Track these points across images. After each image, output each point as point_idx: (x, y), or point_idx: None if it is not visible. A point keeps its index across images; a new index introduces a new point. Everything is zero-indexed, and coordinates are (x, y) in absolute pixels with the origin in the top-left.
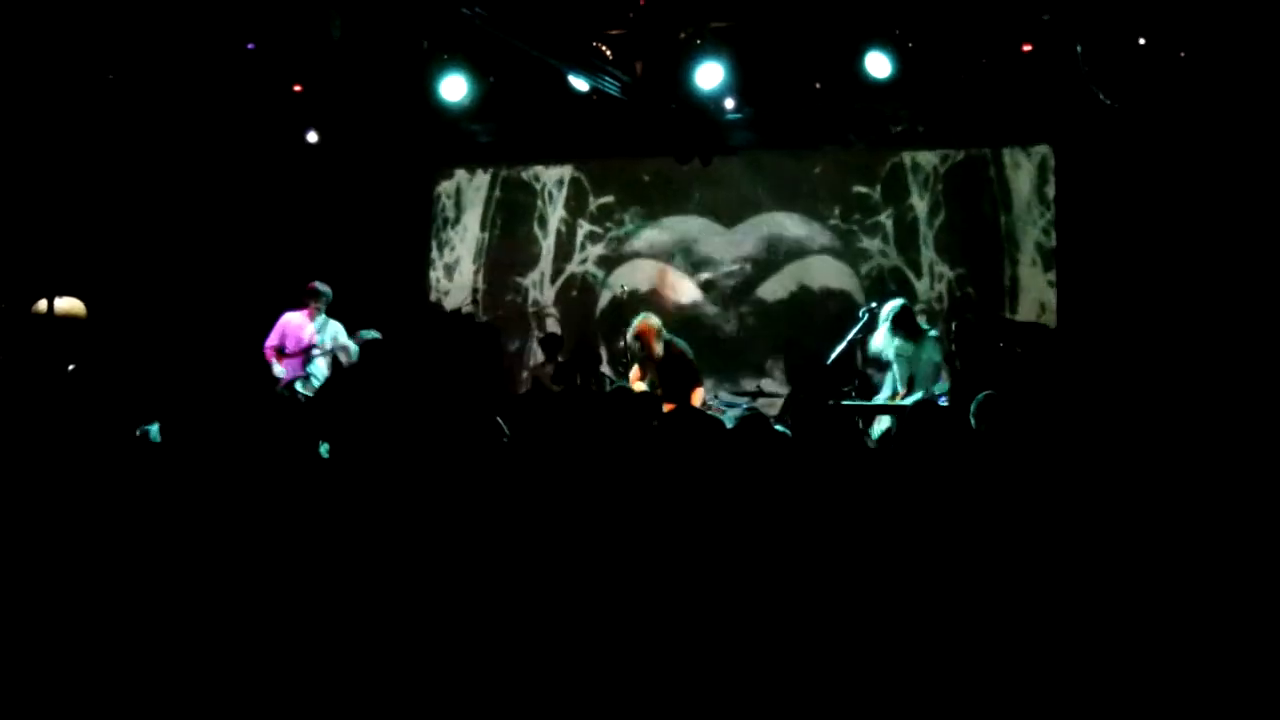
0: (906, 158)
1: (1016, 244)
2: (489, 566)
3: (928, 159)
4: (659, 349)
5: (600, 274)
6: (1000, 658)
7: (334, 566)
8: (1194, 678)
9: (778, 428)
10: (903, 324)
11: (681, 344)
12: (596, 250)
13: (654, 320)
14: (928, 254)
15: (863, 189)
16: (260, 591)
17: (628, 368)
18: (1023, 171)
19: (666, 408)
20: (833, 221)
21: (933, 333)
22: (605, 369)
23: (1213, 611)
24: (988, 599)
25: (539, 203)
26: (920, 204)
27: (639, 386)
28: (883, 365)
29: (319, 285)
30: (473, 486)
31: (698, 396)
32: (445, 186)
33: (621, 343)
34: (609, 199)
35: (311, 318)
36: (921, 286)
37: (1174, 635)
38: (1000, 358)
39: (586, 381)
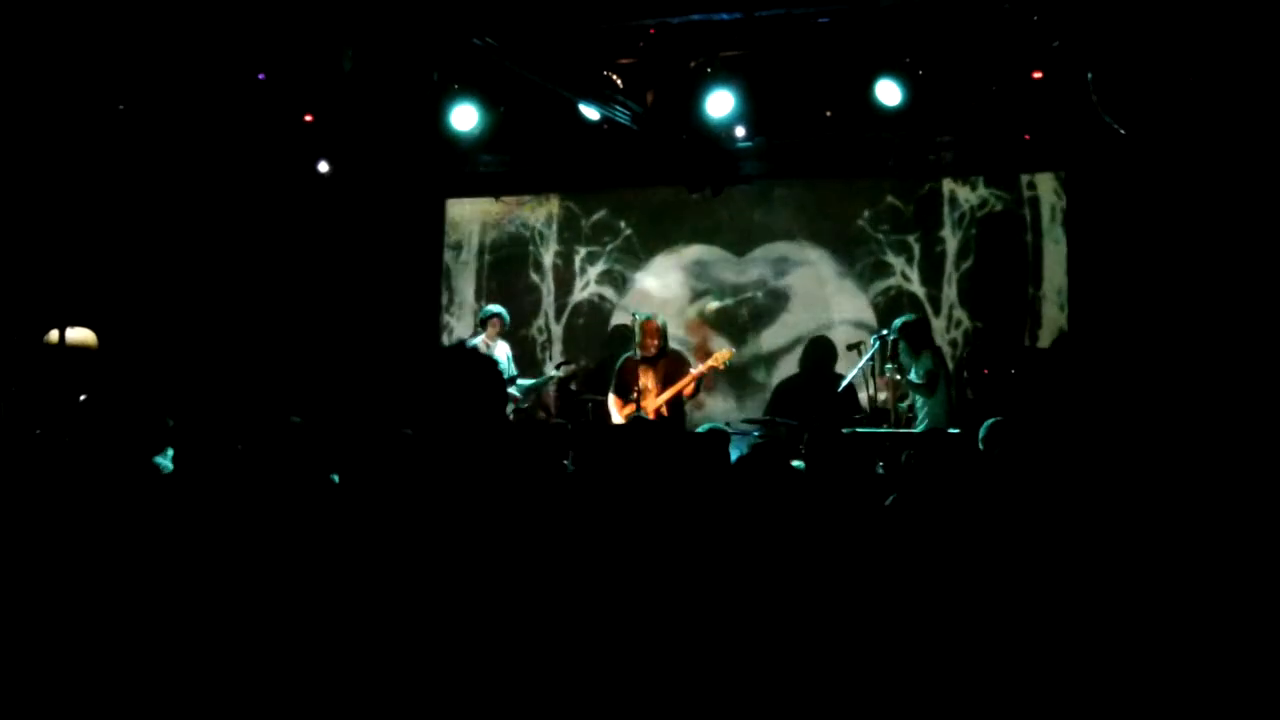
0: (945, 187)
1: (1039, 321)
2: (492, 604)
3: (966, 196)
4: (666, 346)
5: (607, 292)
6: (1013, 683)
7: (343, 596)
8: (1205, 698)
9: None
10: (907, 337)
11: (678, 349)
12: (597, 269)
13: (658, 319)
14: (950, 294)
15: (896, 202)
16: (270, 621)
17: (622, 378)
18: (1060, 249)
19: (653, 406)
20: (859, 223)
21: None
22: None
23: (1227, 638)
24: (997, 621)
25: (530, 248)
26: (951, 240)
27: (623, 414)
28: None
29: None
30: (482, 516)
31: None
32: (455, 216)
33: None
34: (602, 214)
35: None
36: (937, 324)
37: (1187, 657)
38: (1011, 383)
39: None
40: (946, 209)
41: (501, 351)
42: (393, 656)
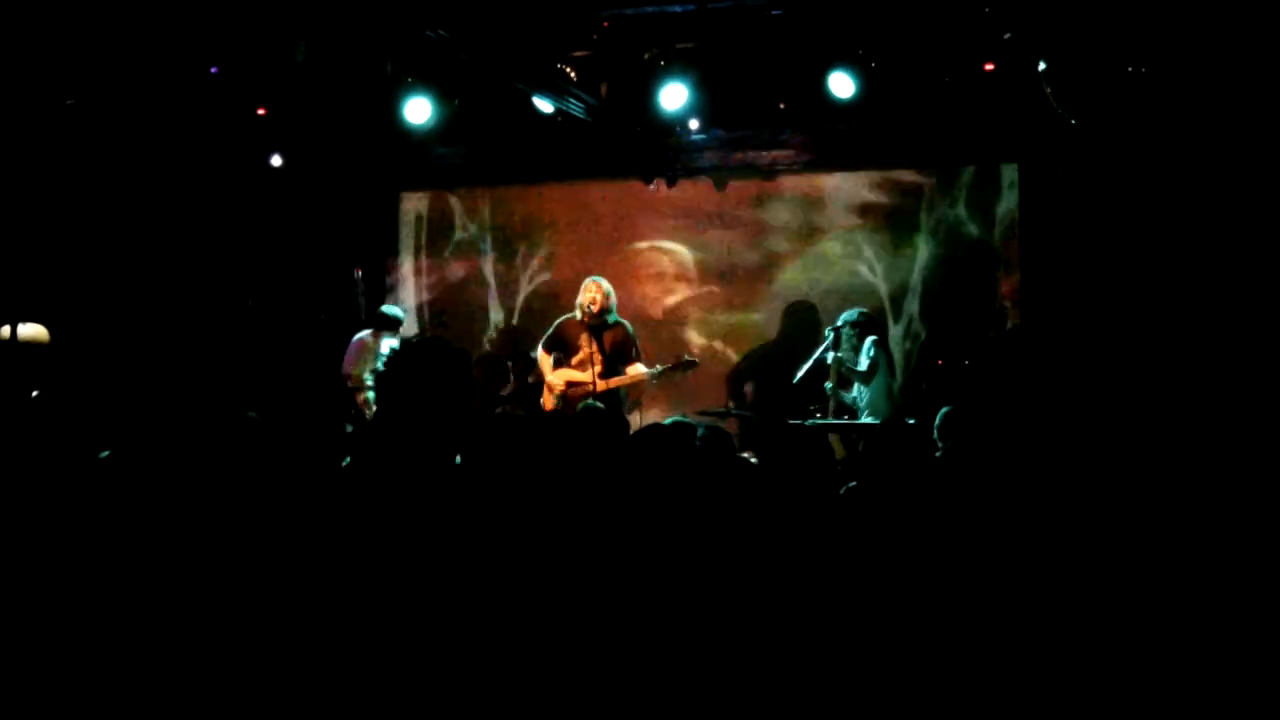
0: (925, 194)
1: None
2: (438, 596)
3: (945, 211)
4: (609, 317)
5: (550, 277)
6: (973, 670)
7: (301, 592)
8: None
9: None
10: (857, 327)
11: (625, 323)
12: (539, 257)
13: (607, 285)
14: (912, 304)
15: (858, 195)
16: (221, 621)
17: (559, 336)
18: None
19: (602, 385)
20: (816, 215)
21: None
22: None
23: (1179, 623)
24: (955, 610)
25: (473, 263)
26: (923, 249)
27: (554, 376)
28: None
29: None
30: (436, 509)
31: (635, 371)
32: (410, 210)
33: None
34: (538, 203)
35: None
36: (895, 332)
37: (1141, 644)
38: (965, 373)
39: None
40: (924, 215)
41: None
42: (361, 652)
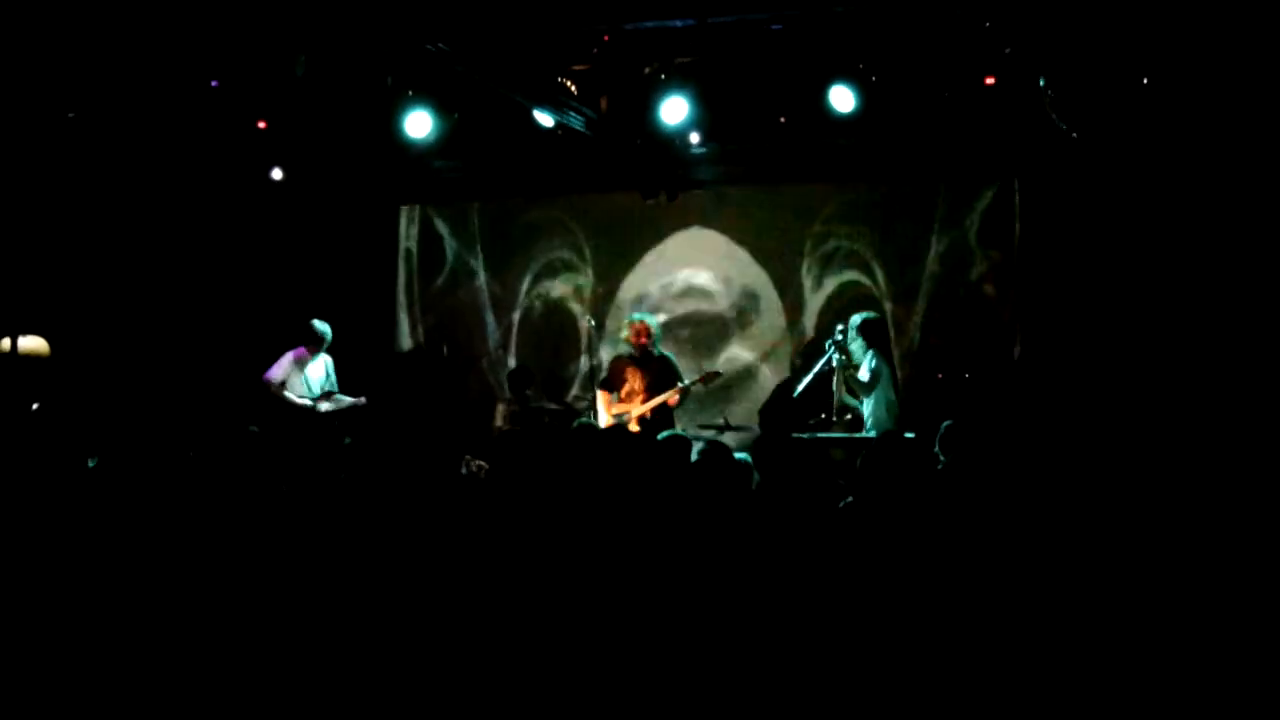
0: (938, 213)
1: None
2: (435, 604)
3: (954, 236)
4: (655, 350)
5: (551, 287)
6: (964, 692)
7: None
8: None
9: (740, 456)
10: (864, 333)
11: (669, 354)
12: (536, 266)
13: (651, 319)
14: (914, 318)
15: (873, 213)
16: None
17: (611, 377)
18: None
19: (639, 410)
20: (816, 229)
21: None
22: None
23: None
24: (951, 622)
25: (471, 277)
26: (924, 264)
27: (610, 411)
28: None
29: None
30: (438, 525)
31: (673, 397)
32: (408, 223)
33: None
34: (532, 214)
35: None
36: (896, 348)
37: (1140, 655)
38: (962, 386)
39: (549, 416)
40: (924, 229)
41: (319, 368)
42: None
